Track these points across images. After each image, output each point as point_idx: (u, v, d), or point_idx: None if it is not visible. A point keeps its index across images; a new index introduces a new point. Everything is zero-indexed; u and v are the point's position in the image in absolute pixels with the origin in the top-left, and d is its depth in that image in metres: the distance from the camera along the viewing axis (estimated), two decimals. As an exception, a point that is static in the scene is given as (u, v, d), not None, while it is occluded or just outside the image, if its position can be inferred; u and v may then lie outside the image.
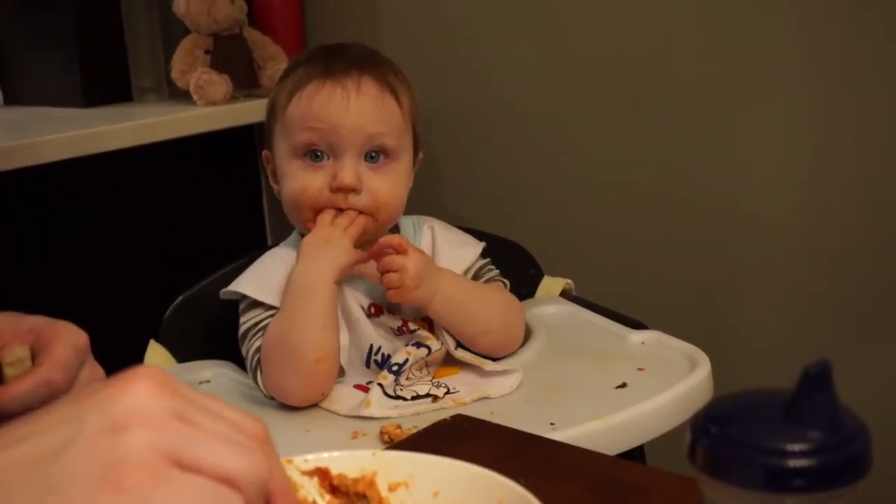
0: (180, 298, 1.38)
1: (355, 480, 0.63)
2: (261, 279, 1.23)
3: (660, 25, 1.57)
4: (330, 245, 1.17)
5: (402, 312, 1.24)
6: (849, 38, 1.41)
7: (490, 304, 1.24)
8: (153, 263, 1.89)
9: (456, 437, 0.84)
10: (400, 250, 1.17)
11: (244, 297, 1.23)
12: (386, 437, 1.04)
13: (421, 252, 1.20)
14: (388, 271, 1.17)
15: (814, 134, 1.46)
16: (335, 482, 0.64)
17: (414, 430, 1.00)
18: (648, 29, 1.58)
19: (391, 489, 0.63)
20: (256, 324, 1.21)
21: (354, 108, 1.20)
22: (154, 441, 0.45)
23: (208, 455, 0.46)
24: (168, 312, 1.37)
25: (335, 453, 0.64)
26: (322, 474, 0.64)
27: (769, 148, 1.50)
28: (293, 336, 1.14)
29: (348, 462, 0.64)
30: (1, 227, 1.70)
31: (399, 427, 1.05)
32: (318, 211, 1.21)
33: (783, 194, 1.50)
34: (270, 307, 1.20)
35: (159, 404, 0.47)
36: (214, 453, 0.46)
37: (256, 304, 1.22)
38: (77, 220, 1.80)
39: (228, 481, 0.46)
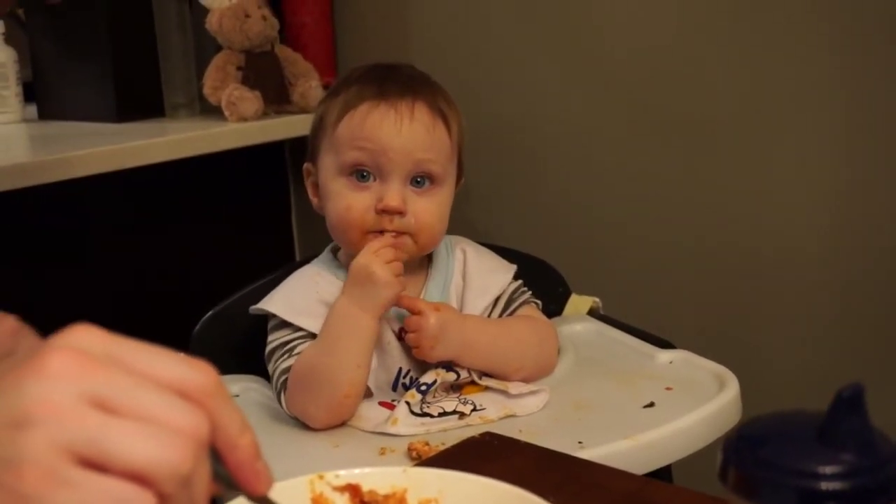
0: (209, 314, 1.39)
1: (386, 497, 0.64)
2: (291, 300, 1.24)
3: (687, 45, 1.57)
4: (373, 280, 1.16)
5: None
6: (879, 57, 1.41)
7: (521, 343, 1.24)
8: (182, 278, 1.91)
9: (485, 455, 0.84)
10: (415, 311, 1.18)
11: (273, 315, 1.23)
12: (414, 454, 1.05)
13: (439, 309, 1.19)
14: (409, 331, 1.19)
15: (842, 155, 1.46)
16: (366, 498, 0.64)
17: (442, 447, 1.00)
18: (676, 49, 1.58)
19: (421, 506, 0.64)
20: (284, 344, 1.21)
21: (406, 132, 1.19)
22: (57, 438, 0.42)
23: (118, 449, 0.43)
24: (197, 327, 1.37)
25: (366, 469, 0.65)
26: (353, 490, 0.64)
27: (798, 169, 1.50)
28: (327, 370, 1.14)
29: (379, 478, 0.65)
30: (34, 240, 1.72)
31: (427, 444, 1.06)
32: (363, 231, 1.21)
33: (812, 216, 1.50)
34: (298, 328, 1.21)
35: (72, 388, 0.43)
36: (125, 446, 0.43)
37: (285, 323, 1.22)
38: (108, 233, 1.81)
39: (139, 478, 0.43)
